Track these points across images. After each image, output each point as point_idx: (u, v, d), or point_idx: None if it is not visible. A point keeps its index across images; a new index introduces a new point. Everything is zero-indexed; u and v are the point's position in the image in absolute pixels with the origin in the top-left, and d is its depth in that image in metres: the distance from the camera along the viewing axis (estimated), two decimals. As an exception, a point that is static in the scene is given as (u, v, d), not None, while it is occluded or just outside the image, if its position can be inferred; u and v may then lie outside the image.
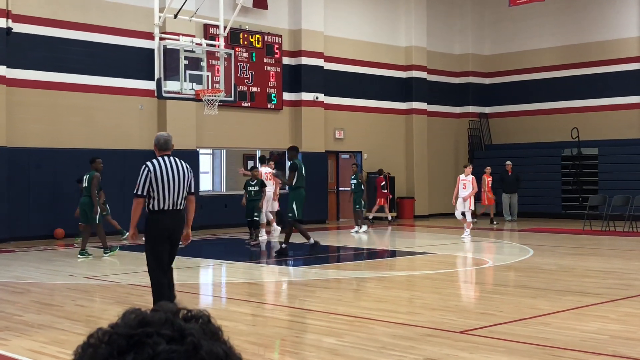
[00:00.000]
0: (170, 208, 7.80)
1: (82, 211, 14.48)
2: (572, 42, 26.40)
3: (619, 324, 7.89)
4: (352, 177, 20.14)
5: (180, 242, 8.04)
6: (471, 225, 18.06)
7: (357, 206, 19.81)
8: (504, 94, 28.31)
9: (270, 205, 17.96)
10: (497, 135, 28.52)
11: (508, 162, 23.94)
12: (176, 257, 8.28)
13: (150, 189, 7.73)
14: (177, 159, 7.96)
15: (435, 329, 7.56)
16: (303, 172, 14.77)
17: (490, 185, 23.24)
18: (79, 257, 14.00)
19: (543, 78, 27.15)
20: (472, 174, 18.15)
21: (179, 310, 1.05)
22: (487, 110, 28.92)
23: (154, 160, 7.86)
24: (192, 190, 8.01)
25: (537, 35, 27.25)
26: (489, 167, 23.54)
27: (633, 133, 24.83)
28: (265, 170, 17.81)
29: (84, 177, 14.54)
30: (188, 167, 8.04)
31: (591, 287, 10.48)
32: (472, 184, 17.95)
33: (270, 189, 17.76)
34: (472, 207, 18.08)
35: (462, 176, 18.18)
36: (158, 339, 0.99)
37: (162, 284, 7.85)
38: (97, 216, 14.20)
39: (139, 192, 7.72)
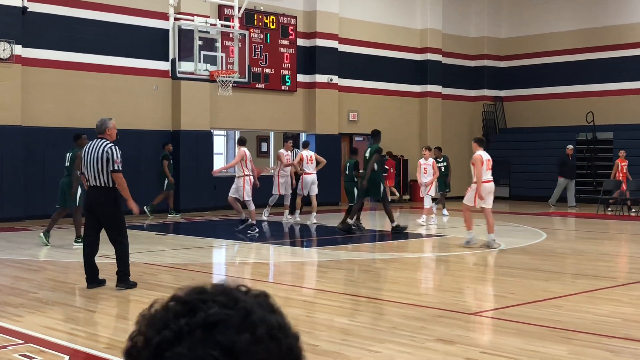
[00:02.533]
0: (91, 184, 8.85)
1: (60, 192, 13.07)
2: (588, 26, 26.16)
3: (631, 307, 7.88)
4: (441, 159, 18.91)
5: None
6: (432, 211, 17.20)
7: (441, 190, 19.03)
8: (520, 78, 28.13)
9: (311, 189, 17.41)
10: (512, 119, 28.37)
11: (569, 146, 22.78)
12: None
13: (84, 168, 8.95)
14: (100, 141, 8.84)
15: (447, 310, 7.58)
16: (366, 155, 15.57)
17: (625, 170, 21.32)
18: (40, 237, 12.91)
19: (559, 62, 26.94)
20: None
21: (239, 285, 1.08)
22: (502, 93, 28.76)
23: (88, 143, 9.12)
24: (114, 168, 8.76)
25: (553, 19, 27.02)
26: (622, 151, 21.71)
27: (649, 117, 24.64)
28: (307, 154, 17.48)
29: (67, 156, 13.24)
30: (105, 148, 8.77)
31: (604, 271, 10.46)
32: (433, 168, 17.08)
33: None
34: (432, 193, 17.15)
35: (422, 160, 17.30)
36: (211, 305, 1.02)
37: (85, 245, 8.97)
38: (78, 199, 12.86)
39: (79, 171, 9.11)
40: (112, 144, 8.84)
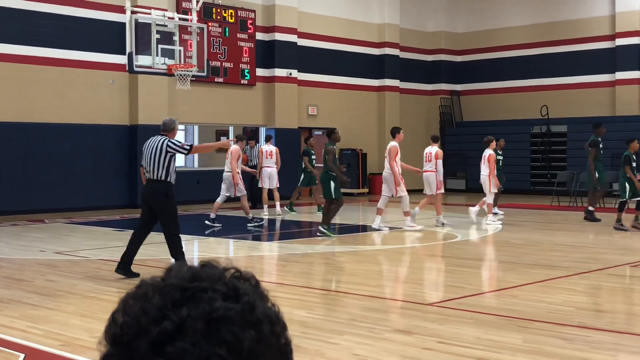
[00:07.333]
0: (149, 178, 9.10)
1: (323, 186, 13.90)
2: (543, 20, 26.56)
3: (584, 296, 8.05)
4: (500, 152, 18.09)
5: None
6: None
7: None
8: (476, 72, 28.45)
9: (271, 182, 17.78)
10: (468, 112, 28.69)
11: None
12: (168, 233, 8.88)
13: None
14: (160, 137, 9.11)
15: (405, 301, 7.67)
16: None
17: None
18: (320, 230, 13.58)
19: (514, 56, 27.32)
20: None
21: (228, 268, 1.02)
22: (458, 87, 29.06)
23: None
24: (187, 149, 9.10)
25: (509, 13, 27.38)
26: None
27: (602, 111, 25.11)
28: (267, 148, 17.77)
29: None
30: (165, 142, 9.03)
31: (558, 261, 10.66)
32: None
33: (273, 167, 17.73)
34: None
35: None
36: (213, 295, 0.95)
37: (135, 233, 9.36)
38: (333, 191, 13.56)
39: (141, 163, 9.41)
40: (169, 139, 9.12)
